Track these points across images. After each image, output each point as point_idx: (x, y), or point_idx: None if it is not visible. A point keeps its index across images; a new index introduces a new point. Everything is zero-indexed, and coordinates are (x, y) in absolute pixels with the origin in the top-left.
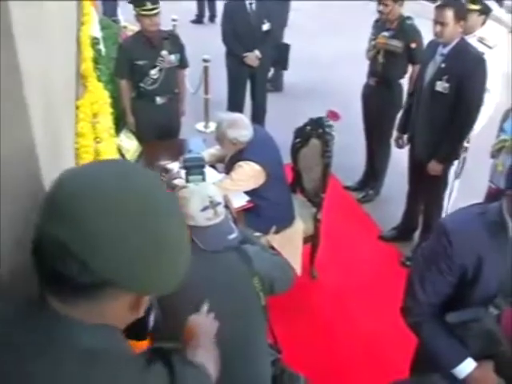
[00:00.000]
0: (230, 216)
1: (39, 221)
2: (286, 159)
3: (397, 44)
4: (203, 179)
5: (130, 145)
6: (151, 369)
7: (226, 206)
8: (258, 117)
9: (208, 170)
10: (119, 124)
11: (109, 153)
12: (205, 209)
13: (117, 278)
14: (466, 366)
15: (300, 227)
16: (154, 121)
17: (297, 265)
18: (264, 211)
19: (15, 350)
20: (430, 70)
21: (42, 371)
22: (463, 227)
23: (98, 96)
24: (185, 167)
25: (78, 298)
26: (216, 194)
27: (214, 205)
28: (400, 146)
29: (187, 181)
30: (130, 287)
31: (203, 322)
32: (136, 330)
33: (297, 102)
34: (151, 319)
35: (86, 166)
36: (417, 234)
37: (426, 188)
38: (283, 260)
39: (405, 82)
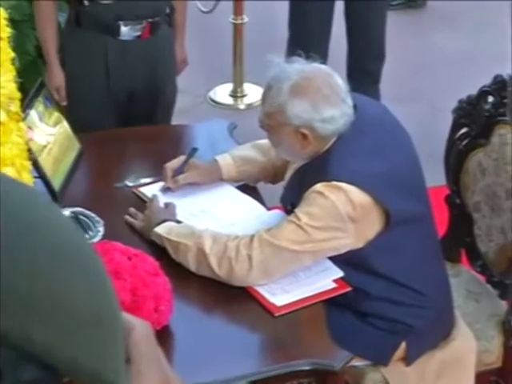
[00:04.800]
0: None
1: None
2: (432, 177)
3: None
4: None
5: (53, 138)
6: None
7: None
8: (363, 70)
9: (239, 202)
10: (28, 88)
11: (8, 157)
12: None
13: None
14: None
15: (469, 346)
16: (113, 82)
17: None
18: (379, 306)
19: None
20: None
21: None
22: None
23: None
24: None
25: None
26: None
27: None
28: None
29: None
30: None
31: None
32: None
33: (459, 35)
34: None
35: None
36: None
37: None
38: None
39: None
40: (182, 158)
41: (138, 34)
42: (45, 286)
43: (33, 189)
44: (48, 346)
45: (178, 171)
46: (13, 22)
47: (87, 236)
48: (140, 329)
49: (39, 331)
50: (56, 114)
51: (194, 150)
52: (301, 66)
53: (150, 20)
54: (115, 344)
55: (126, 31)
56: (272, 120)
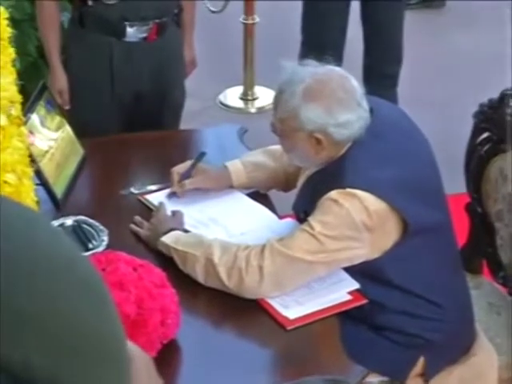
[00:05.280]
0: None
1: None
2: (451, 185)
3: None
4: None
5: (55, 143)
6: None
7: None
8: (380, 73)
9: (249, 210)
10: (29, 91)
11: (9, 163)
12: None
13: None
14: None
15: (490, 362)
16: (118, 85)
17: None
18: (396, 319)
19: None
20: None
21: None
22: None
23: None
24: None
25: None
26: None
27: None
28: None
29: None
30: None
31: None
32: None
33: (479, 35)
34: None
35: None
36: None
37: None
38: None
39: None
40: (189, 162)
41: (145, 35)
42: (45, 308)
43: (34, 211)
44: (47, 371)
45: (185, 175)
46: (13, 22)
47: (90, 246)
48: (140, 359)
49: (39, 354)
50: (58, 118)
51: (203, 154)
52: (314, 69)
53: (156, 21)
54: (121, 371)
55: (131, 32)
56: (285, 125)
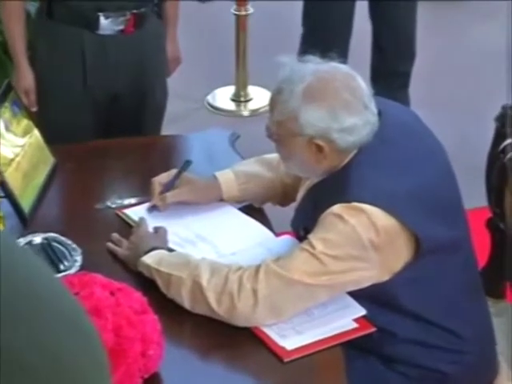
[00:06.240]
0: None
1: None
2: (471, 197)
3: None
4: None
5: (21, 149)
6: None
7: None
8: (391, 72)
9: (242, 226)
10: None
11: None
12: None
13: None
14: None
15: None
16: (92, 84)
17: None
18: (408, 350)
19: None
20: None
21: None
22: None
23: None
24: None
25: None
26: None
27: None
28: None
29: None
30: None
31: None
32: None
33: (501, 30)
34: None
35: None
36: None
37: None
38: None
39: None
40: (173, 172)
41: (121, 27)
42: (29, 342)
43: (6, 233)
44: None
45: (168, 187)
46: None
47: (62, 267)
48: None
49: None
50: (25, 122)
51: (188, 162)
52: (316, 66)
53: (134, 11)
54: None
55: (106, 24)
56: (282, 129)
